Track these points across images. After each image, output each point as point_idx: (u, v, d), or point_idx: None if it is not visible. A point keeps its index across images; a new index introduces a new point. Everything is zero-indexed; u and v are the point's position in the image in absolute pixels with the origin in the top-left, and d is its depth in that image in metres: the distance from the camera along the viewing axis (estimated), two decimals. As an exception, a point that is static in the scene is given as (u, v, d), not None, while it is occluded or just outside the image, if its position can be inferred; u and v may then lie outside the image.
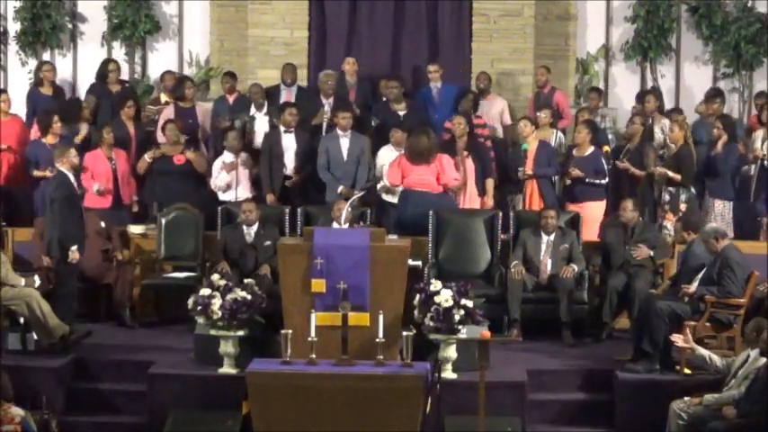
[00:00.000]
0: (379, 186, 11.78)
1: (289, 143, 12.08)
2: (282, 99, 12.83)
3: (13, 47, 14.28)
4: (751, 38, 13.84)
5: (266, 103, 12.70)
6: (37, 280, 10.07)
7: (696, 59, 14.32)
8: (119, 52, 14.28)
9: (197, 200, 11.91)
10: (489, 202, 11.82)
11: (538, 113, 12.45)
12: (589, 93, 13.47)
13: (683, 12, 14.22)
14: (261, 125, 12.59)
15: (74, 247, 10.05)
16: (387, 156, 11.82)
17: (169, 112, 12.68)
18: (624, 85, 14.18)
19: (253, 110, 12.78)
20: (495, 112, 13.06)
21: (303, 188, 12.18)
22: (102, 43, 14.39)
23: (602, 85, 14.16)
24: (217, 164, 12.06)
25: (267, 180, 12.04)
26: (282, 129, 12.11)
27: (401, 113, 12.46)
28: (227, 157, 12.00)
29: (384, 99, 12.87)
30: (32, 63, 14.22)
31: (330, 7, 13.86)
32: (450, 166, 11.39)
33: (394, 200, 11.66)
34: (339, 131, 11.97)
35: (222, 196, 11.96)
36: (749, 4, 14.07)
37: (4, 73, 14.36)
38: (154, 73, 14.38)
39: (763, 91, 13.07)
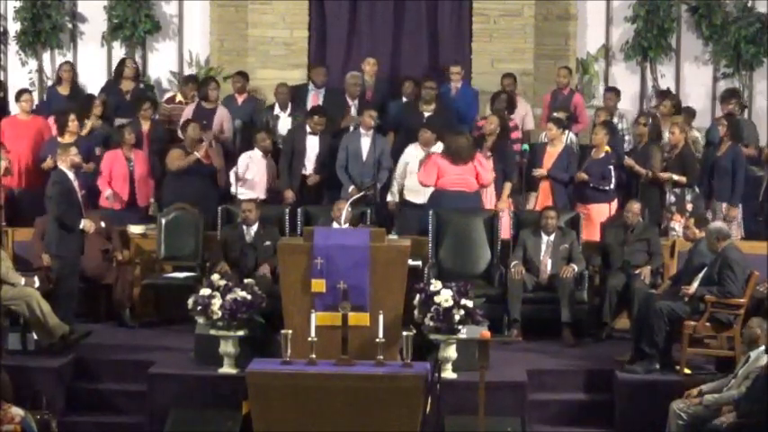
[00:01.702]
0: (396, 196, 11.79)
1: (312, 144, 12.08)
2: (310, 100, 12.83)
3: (13, 47, 14.28)
4: (751, 38, 13.83)
5: (290, 104, 12.69)
6: (37, 281, 10.07)
7: (696, 59, 14.32)
8: (119, 52, 14.28)
9: (214, 199, 11.92)
10: (502, 205, 11.75)
11: (554, 114, 12.43)
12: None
13: (683, 12, 14.22)
14: (284, 125, 12.59)
15: (83, 221, 10.08)
16: (413, 154, 11.77)
17: (189, 112, 12.67)
18: (624, 85, 14.16)
19: (277, 109, 12.78)
20: (517, 115, 12.97)
21: (320, 187, 12.16)
22: (102, 43, 14.40)
23: (602, 86, 14.15)
24: (243, 158, 12.01)
25: (286, 177, 12.04)
26: (308, 129, 12.10)
27: (426, 114, 12.43)
28: (256, 154, 11.95)
29: (406, 100, 12.82)
30: (32, 63, 14.24)
31: (330, 7, 13.87)
32: (487, 165, 11.37)
33: (416, 199, 11.65)
34: (362, 130, 11.99)
35: (234, 189, 11.93)
36: (749, 4, 14.07)
37: (4, 73, 14.36)
38: (154, 73, 14.40)
39: None
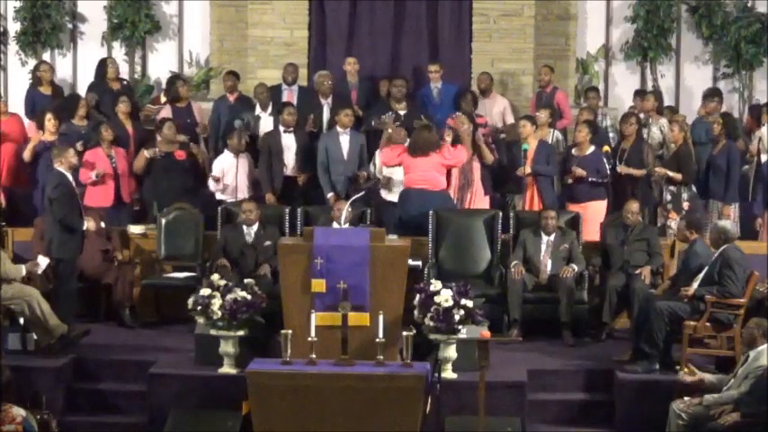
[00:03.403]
0: (380, 176, 11.82)
1: (288, 143, 12.06)
2: (284, 98, 12.82)
3: (13, 47, 14.29)
4: (751, 38, 13.85)
5: (271, 104, 12.69)
6: (40, 261, 10.02)
7: (696, 59, 14.34)
8: (119, 52, 14.29)
9: (197, 197, 11.93)
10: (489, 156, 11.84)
11: (536, 113, 12.45)
12: (588, 92, 13.47)
13: (683, 12, 14.24)
14: (266, 125, 12.58)
15: (86, 223, 10.11)
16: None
17: (166, 112, 12.67)
18: (624, 85, 14.19)
19: (258, 110, 12.77)
20: (496, 111, 13.07)
21: (304, 188, 12.16)
22: (102, 43, 14.41)
23: (602, 85, 14.17)
24: (216, 164, 12.01)
25: (267, 180, 12.03)
26: (282, 128, 12.10)
27: (401, 113, 12.46)
28: (227, 156, 11.94)
29: (386, 98, 12.86)
30: (32, 63, 14.22)
31: (330, 7, 13.87)
32: (452, 150, 11.39)
33: (392, 199, 11.67)
34: (339, 129, 11.98)
35: (219, 195, 11.94)
36: (749, 4, 14.10)
37: (4, 73, 14.38)
38: (154, 73, 14.40)
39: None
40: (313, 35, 13.89)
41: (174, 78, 13.15)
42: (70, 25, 14.40)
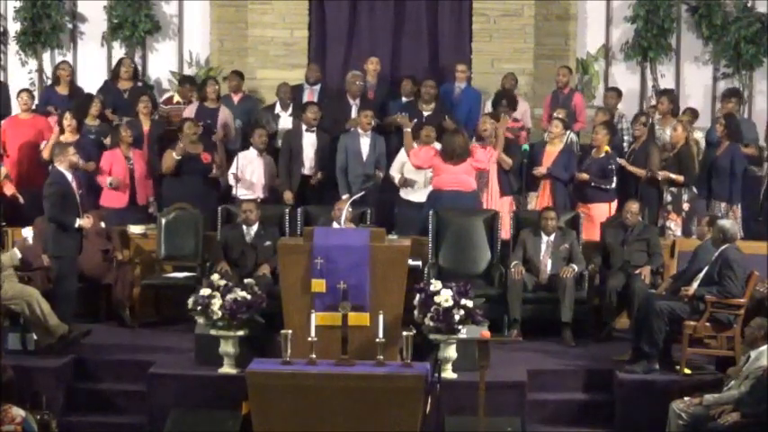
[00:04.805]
0: (397, 179, 11.80)
1: (309, 142, 12.08)
2: (305, 98, 12.83)
3: (13, 47, 14.29)
4: (751, 38, 13.85)
5: (292, 104, 12.68)
6: (24, 232, 10.01)
7: (696, 59, 14.34)
8: (119, 52, 14.28)
9: (214, 199, 11.92)
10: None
11: (555, 114, 12.45)
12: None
13: (683, 12, 14.25)
14: (286, 125, 12.58)
15: (79, 220, 10.06)
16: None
17: (190, 111, 12.67)
18: (624, 85, 14.17)
19: (278, 108, 12.77)
20: (517, 113, 13.03)
21: (321, 187, 12.16)
22: (102, 43, 14.41)
23: (601, 86, 14.16)
24: (239, 159, 12.00)
25: (285, 178, 12.03)
26: (304, 127, 12.09)
27: (426, 114, 12.45)
28: (251, 153, 11.94)
29: (406, 99, 12.81)
30: (32, 63, 14.25)
31: (330, 7, 13.89)
32: (483, 155, 11.41)
33: (415, 198, 11.67)
34: (359, 131, 11.99)
35: (236, 192, 11.92)
36: (749, 4, 14.09)
37: (5, 73, 14.37)
38: (154, 73, 14.40)
39: None
40: (313, 35, 13.90)
41: (207, 80, 13.10)
42: (70, 25, 14.40)
